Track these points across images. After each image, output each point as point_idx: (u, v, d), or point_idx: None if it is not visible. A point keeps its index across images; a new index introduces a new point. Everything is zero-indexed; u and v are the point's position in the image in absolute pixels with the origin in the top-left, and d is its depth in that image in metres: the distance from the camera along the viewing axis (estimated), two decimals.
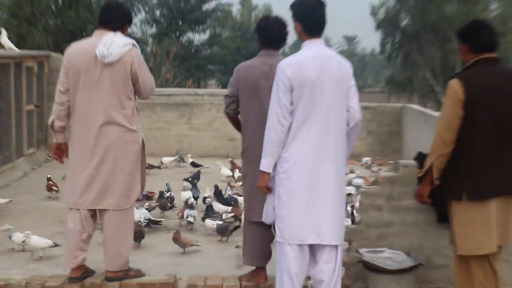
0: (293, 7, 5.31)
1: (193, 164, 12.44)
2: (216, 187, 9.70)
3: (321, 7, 5.27)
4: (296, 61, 5.13)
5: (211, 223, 8.24)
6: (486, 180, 5.11)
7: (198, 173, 11.36)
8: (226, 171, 11.67)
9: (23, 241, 7.05)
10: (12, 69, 11.35)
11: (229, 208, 8.68)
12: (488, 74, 5.20)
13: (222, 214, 8.50)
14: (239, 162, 10.20)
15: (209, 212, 8.45)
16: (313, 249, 5.25)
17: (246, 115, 6.09)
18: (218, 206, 8.77)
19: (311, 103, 5.09)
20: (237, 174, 10.96)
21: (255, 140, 5.86)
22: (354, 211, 8.00)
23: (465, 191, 5.08)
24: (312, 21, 5.28)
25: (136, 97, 6.12)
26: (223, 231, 7.99)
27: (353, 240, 6.16)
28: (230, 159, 12.50)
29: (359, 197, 7.01)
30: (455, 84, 5.07)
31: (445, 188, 5.25)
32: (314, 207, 5.16)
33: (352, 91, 5.25)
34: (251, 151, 5.92)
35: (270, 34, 5.94)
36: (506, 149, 5.17)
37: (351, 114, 5.23)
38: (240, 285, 6.12)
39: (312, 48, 5.21)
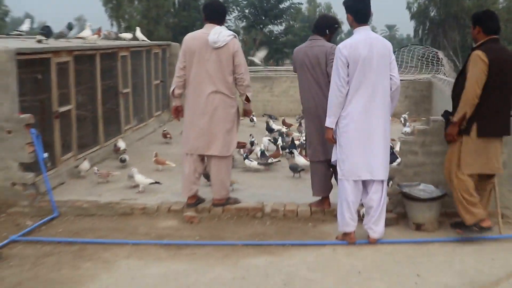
0: (345, 2, 6.26)
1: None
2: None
3: (367, 1, 6.24)
4: (350, 43, 6.05)
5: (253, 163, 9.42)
6: (491, 124, 6.15)
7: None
8: (276, 126, 12.58)
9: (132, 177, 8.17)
10: (143, 55, 12.94)
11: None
12: (497, 49, 6.24)
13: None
14: (288, 120, 12.69)
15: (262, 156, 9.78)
16: (366, 183, 6.22)
17: (300, 84, 7.10)
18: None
19: (362, 75, 5.98)
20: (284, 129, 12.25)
21: (307, 102, 6.99)
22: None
23: (476, 129, 6.11)
24: (360, 13, 6.21)
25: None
26: (294, 169, 9.02)
27: (395, 176, 7.00)
28: (283, 118, 13.74)
29: (398, 143, 7.75)
30: (481, 54, 6.04)
31: (465, 126, 6.18)
32: (367, 152, 6.10)
33: (393, 63, 6.19)
34: (308, 110, 7.00)
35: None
36: (507, 102, 6.26)
37: (393, 80, 6.17)
38: (310, 210, 7.13)
39: (362, 33, 6.12)
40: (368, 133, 6.13)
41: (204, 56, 7.00)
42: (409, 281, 5.31)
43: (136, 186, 8.18)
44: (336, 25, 7.46)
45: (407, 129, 12.00)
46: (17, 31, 10.72)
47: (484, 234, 6.22)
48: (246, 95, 7.12)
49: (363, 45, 6.06)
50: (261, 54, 14.39)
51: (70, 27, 9.95)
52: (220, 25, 7.11)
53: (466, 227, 6.24)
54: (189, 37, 7.22)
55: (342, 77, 6.03)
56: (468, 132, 6.17)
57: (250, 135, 11.15)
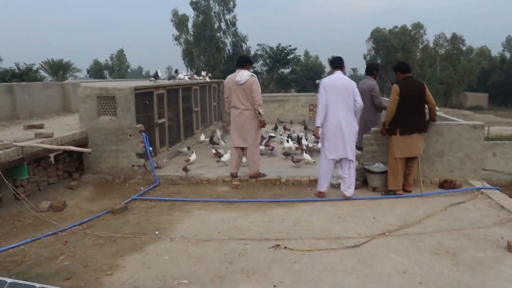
0: (329, 61, 6.53)
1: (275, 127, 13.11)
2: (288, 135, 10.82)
3: (340, 59, 6.39)
4: (329, 79, 6.29)
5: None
6: (406, 127, 6.31)
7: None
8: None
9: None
10: (207, 88, 12.86)
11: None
12: (407, 82, 6.38)
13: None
14: (288, 126, 12.55)
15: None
16: (341, 162, 6.34)
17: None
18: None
19: (335, 97, 6.18)
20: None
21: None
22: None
23: (398, 131, 6.32)
24: (335, 63, 6.37)
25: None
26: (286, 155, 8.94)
27: (360, 158, 7.07)
28: (284, 124, 13.45)
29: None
30: (396, 86, 6.31)
31: (390, 130, 6.43)
32: (341, 141, 6.23)
33: (356, 92, 6.25)
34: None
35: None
36: (414, 113, 6.33)
37: (357, 102, 6.25)
38: (309, 179, 7.10)
39: (336, 74, 6.32)
40: (340, 131, 6.24)
41: (236, 90, 7.09)
42: (369, 221, 5.38)
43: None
44: (377, 69, 8.17)
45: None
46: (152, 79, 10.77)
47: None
48: (259, 111, 7.06)
49: (336, 80, 6.27)
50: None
51: (156, 76, 9.96)
52: (245, 69, 7.14)
53: (388, 191, 6.48)
54: (227, 79, 7.31)
55: (323, 99, 6.22)
56: (395, 133, 6.38)
57: (267, 133, 11.19)
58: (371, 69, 7.92)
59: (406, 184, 6.58)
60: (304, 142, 9.69)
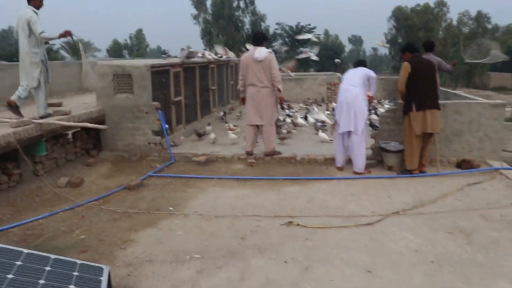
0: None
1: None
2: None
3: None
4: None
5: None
6: (422, 102, 6.20)
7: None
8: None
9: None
10: (224, 66, 12.78)
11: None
12: (418, 60, 6.32)
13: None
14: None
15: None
16: (350, 134, 6.47)
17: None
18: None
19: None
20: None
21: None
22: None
23: (414, 106, 6.22)
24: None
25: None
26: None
27: (376, 137, 7.03)
28: (288, 102, 13.31)
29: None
30: (406, 64, 6.26)
31: (406, 107, 6.35)
32: (350, 118, 6.38)
33: (369, 72, 6.63)
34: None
35: None
36: (428, 89, 6.24)
37: (371, 76, 6.60)
38: (324, 158, 7.09)
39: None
40: (350, 112, 6.44)
41: (253, 67, 7.02)
42: (384, 200, 5.36)
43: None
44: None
45: (383, 109, 11.21)
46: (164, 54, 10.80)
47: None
48: (278, 87, 7.06)
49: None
50: (289, 65, 13.97)
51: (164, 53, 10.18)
52: (261, 46, 7.06)
53: (404, 170, 6.45)
54: (243, 56, 7.28)
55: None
56: (411, 109, 6.26)
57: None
58: (430, 46, 8.17)
59: (420, 165, 6.47)
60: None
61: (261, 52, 6.96)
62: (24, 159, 5.84)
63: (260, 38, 7.23)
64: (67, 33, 6.35)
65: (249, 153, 7.35)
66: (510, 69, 63.65)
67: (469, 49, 10.76)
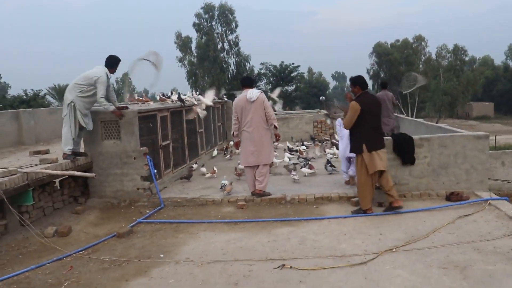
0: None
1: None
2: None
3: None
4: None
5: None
6: (372, 143, 6.15)
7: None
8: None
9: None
10: (211, 109, 12.59)
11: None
12: (366, 100, 6.21)
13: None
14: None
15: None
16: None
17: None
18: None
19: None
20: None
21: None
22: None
23: (365, 148, 6.16)
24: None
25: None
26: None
27: None
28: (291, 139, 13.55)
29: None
30: (355, 104, 6.14)
31: (355, 148, 6.30)
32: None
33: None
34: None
35: None
36: (377, 129, 6.26)
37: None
38: (314, 197, 7.07)
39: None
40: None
41: (248, 109, 7.16)
42: (376, 237, 5.30)
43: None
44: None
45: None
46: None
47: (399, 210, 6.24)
48: (274, 125, 7.20)
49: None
50: (276, 92, 14.58)
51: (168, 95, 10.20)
52: (251, 88, 7.29)
53: (359, 209, 6.34)
54: (237, 99, 7.39)
55: None
56: (362, 150, 6.21)
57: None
58: (385, 85, 11.02)
59: (393, 201, 6.26)
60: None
61: (253, 93, 7.18)
62: (10, 209, 5.72)
63: (250, 81, 7.56)
64: (120, 115, 7.36)
65: (254, 193, 7.33)
66: (490, 98, 65.15)
67: (403, 84, 12.56)
